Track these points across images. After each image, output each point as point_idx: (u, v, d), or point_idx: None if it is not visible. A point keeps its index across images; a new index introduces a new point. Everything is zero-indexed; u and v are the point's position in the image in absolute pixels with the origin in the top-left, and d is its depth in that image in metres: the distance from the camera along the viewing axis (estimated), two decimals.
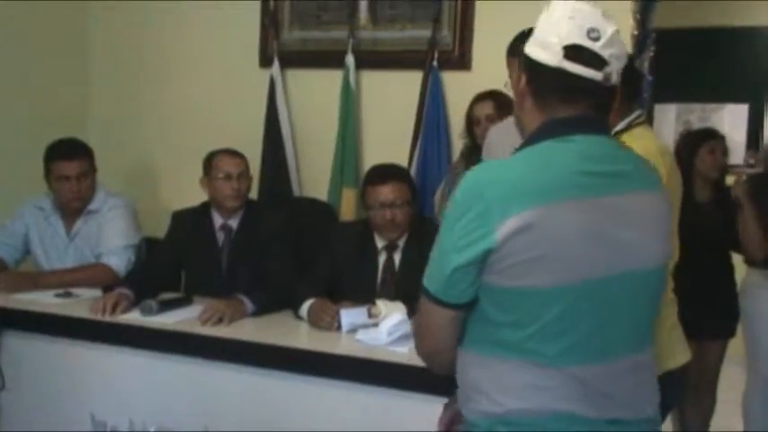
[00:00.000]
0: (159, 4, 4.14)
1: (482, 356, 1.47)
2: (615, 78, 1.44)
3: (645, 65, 3.27)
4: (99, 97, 4.34)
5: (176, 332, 2.55)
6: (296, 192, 3.90)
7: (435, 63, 3.59)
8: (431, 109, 3.58)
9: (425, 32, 3.62)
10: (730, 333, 3.55)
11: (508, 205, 1.36)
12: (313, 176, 3.89)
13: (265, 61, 3.95)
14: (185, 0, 4.08)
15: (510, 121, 2.84)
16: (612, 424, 1.44)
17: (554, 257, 1.37)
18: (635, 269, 1.45)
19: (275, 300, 2.82)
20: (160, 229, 3.31)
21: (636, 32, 3.26)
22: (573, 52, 1.41)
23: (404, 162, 3.57)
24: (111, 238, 3.23)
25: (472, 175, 1.44)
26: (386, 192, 2.85)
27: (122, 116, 4.29)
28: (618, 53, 1.44)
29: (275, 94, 3.88)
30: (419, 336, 1.59)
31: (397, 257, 2.90)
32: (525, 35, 1.66)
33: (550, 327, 1.39)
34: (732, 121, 5.84)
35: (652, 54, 3.29)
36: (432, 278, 1.47)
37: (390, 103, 3.75)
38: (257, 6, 3.95)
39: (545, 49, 1.43)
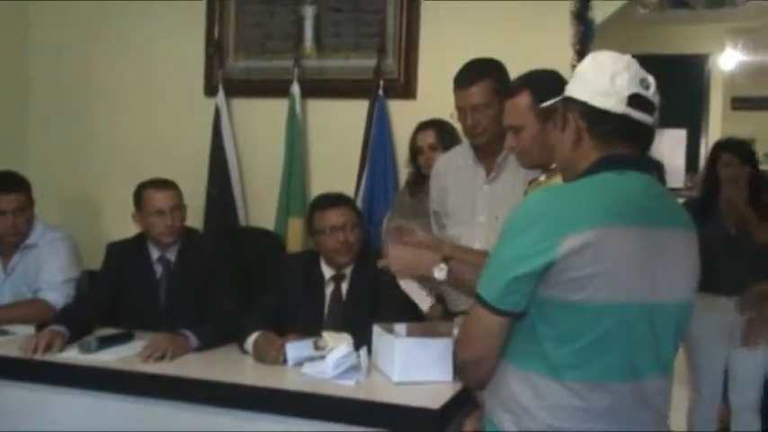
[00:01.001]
0: (102, 33, 4.09)
1: (524, 372, 1.58)
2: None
3: None
4: (39, 128, 4.26)
5: (117, 370, 2.47)
6: (242, 222, 3.87)
7: (381, 92, 3.61)
8: (377, 137, 3.59)
9: (370, 61, 3.64)
10: None
11: (572, 223, 1.50)
12: (259, 206, 3.86)
13: (210, 90, 3.92)
14: (128, 28, 4.04)
15: (457, 149, 2.88)
16: None
17: (607, 277, 1.50)
18: (671, 300, 1.60)
19: (219, 333, 2.76)
20: (98, 261, 3.25)
21: (575, 63, 3.32)
22: (635, 100, 1.58)
23: (351, 190, 3.57)
24: (49, 272, 3.15)
25: (542, 193, 1.62)
26: (336, 215, 2.84)
27: (64, 147, 4.21)
28: (659, 101, 1.62)
29: (220, 123, 3.85)
30: (467, 342, 1.68)
31: (344, 287, 2.88)
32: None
33: (595, 344, 1.52)
34: (671, 145, 5.99)
35: None
36: (488, 286, 1.58)
37: (336, 131, 3.75)
38: (202, 35, 3.93)
39: (608, 97, 1.58)
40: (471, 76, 2.62)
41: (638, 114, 1.58)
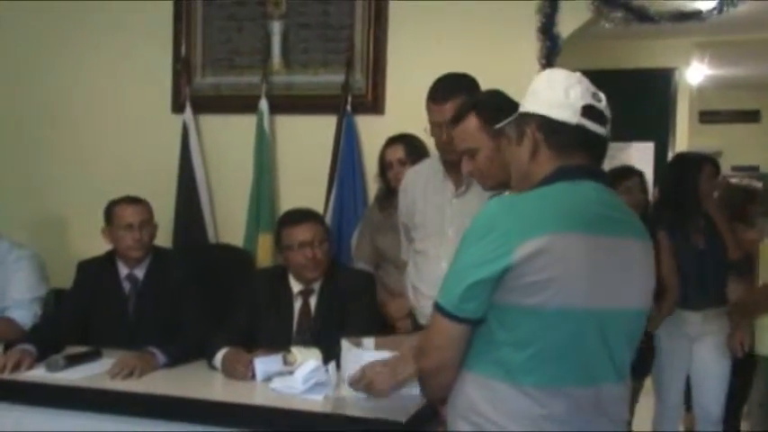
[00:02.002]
0: (67, 48, 4.07)
1: (483, 377, 1.60)
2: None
3: None
4: (3, 144, 4.21)
5: (85, 388, 2.45)
6: (211, 238, 3.85)
7: (349, 107, 3.62)
8: (345, 153, 3.60)
9: (339, 77, 3.65)
10: (646, 372, 3.65)
11: (527, 230, 1.54)
12: (228, 222, 3.85)
13: (178, 107, 3.91)
14: (94, 44, 4.02)
15: (426, 163, 2.89)
16: None
17: (561, 282, 1.53)
18: (626, 307, 1.64)
19: (188, 350, 2.75)
20: (69, 280, 3.22)
21: None
22: (588, 111, 1.65)
23: (320, 206, 3.57)
24: (16, 290, 3.12)
25: (496, 203, 1.64)
26: (303, 231, 2.84)
27: (27, 164, 4.16)
28: (610, 114, 1.69)
29: (188, 139, 3.84)
30: (427, 351, 1.69)
31: (312, 302, 2.88)
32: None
33: (550, 348, 1.55)
34: (639, 158, 6.06)
35: None
36: (447, 295, 1.61)
37: (305, 147, 3.76)
38: (169, 51, 3.92)
39: (564, 109, 1.64)
40: (447, 91, 2.63)
41: (591, 125, 1.64)
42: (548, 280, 1.52)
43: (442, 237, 2.70)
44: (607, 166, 1.89)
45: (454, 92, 2.61)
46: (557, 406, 1.56)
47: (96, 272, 3.03)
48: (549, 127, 1.66)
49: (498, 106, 2.25)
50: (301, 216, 2.91)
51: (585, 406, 1.58)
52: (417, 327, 2.79)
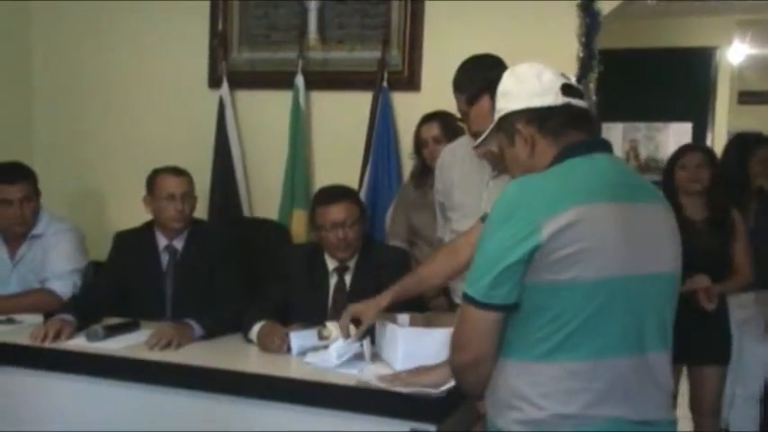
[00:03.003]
0: (106, 26, 4.10)
1: (523, 363, 1.57)
2: None
3: (591, 86, 3.32)
4: (44, 119, 4.28)
5: (123, 358, 2.49)
6: (246, 213, 3.88)
7: (385, 84, 3.61)
8: (381, 129, 3.59)
9: (375, 53, 3.64)
10: (727, 358, 3.45)
11: (553, 204, 1.52)
12: (263, 197, 3.87)
13: (214, 82, 3.93)
14: (132, 22, 4.05)
15: (462, 141, 2.87)
16: (644, 425, 1.57)
17: (595, 252, 1.52)
18: (659, 271, 1.62)
19: (224, 323, 2.78)
20: (105, 252, 3.27)
21: (581, 54, 3.32)
22: (567, 90, 1.67)
23: (354, 182, 3.57)
24: (56, 262, 3.17)
25: (515, 185, 1.62)
26: (336, 212, 2.83)
27: (69, 139, 4.23)
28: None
29: (225, 114, 3.86)
30: (461, 345, 1.65)
31: (347, 279, 2.89)
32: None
33: (591, 320, 1.52)
34: (677, 139, 5.98)
35: (597, 75, 3.34)
36: (475, 284, 1.57)
37: (340, 123, 3.76)
38: (206, 27, 3.94)
39: (545, 95, 1.66)
40: (467, 81, 2.61)
41: (575, 101, 1.66)
42: (580, 251, 1.51)
43: (477, 217, 2.68)
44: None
45: (474, 81, 2.57)
46: (601, 380, 1.53)
47: (134, 243, 3.06)
48: (538, 117, 1.66)
49: None
50: (336, 195, 2.89)
51: (632, 376, 1.56)
52: (452, 304, 2.79)
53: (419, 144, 3.30)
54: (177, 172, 3.05)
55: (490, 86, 2.27)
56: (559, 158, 1.63)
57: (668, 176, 3.43)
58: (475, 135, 2.31)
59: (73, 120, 4.22)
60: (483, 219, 2.26)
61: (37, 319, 2.87)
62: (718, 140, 6.81)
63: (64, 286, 3.14)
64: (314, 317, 2.73)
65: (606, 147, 1.69)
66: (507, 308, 1.56)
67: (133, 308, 2.97)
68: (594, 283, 1.52)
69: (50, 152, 4.20)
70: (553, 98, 1.65)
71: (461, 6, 3.55)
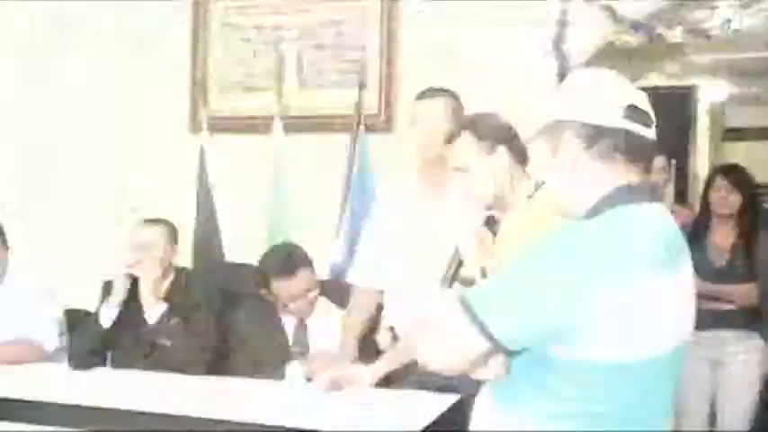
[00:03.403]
0: (86, 70, 4.13)
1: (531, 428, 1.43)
2: None
3: None
4: (18, 164, 4.27)
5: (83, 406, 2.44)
6: (227, 258, 3.87)
7: (362, 127, 3.63)
8: (358, 172, 3.61)
9: (352, 97, 3.67)
10: None
11: (606, 277, 1.35)
12: (243, 242, 3.87)
13: (194, 128, 3.95)
14: (114, 66, 4.09)
15: (406, 180, 2.92)
16: None
17: (643, 330, 1.37)
18: (679, 345, 1.46)
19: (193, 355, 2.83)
20: (85, 301, 3.27)
21: None
22: (631, 112, 1.45)
23: (333, 224, 3.58)
24: (32, 313, 3.14)
25: (575, 236, 1.42)
26: (298, 283, 2.88)
27: (45, 186, 4.22)
28: (653, 114, 1.49)
29: (205, 160, 3.87)
30: (434, 352, 1.48)
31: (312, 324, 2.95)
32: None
33: (624, 403, 1.40)
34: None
35: None
36: (489, 304, 1.39)
37: (318, 166, 3.77)
38: (186, 74, 3.97)
39: (602, 112, 1.45)
40: (430, 92, 2.75)
41: (636, 127, 1.45)
42: (627, 332, 1.36)
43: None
44: None
45: (436, 91, 2.72)
46: None
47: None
48: (589, 134, 1.46)
49: (490, 124, 2.32)
50: (293, 267, 2.88)
51: None
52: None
53: None
54: (149, 222, 3.11)
55: (470, 124, 2.35)
56: (613, 202, 1.44)
57: (704, 197, 3.52)
58: (455, 170, 2.36)
59: (48, 165, 4.22)
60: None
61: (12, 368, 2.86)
62: (701, 178, 6.86)
63: (43, 335, 3.10)
64: (276, 362, 2.75)
65: (657, 194, 1.54)
66: (503, 348, 1.40)
67: (116, 351, 3.00)
68: (636, 364, 1.38)
69: (24, 198, 4.20)
70: (612, 118, 1.45)
71: (437, 49, 3.59)
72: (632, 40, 3.38)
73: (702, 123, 7.07)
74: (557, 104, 1.53)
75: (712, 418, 3.62)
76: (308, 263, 2.95)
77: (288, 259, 2.94)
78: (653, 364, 1.41)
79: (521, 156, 2.36)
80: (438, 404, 2.35)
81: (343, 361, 2.67)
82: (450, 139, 2.37)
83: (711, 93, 7.39)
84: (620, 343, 1.36)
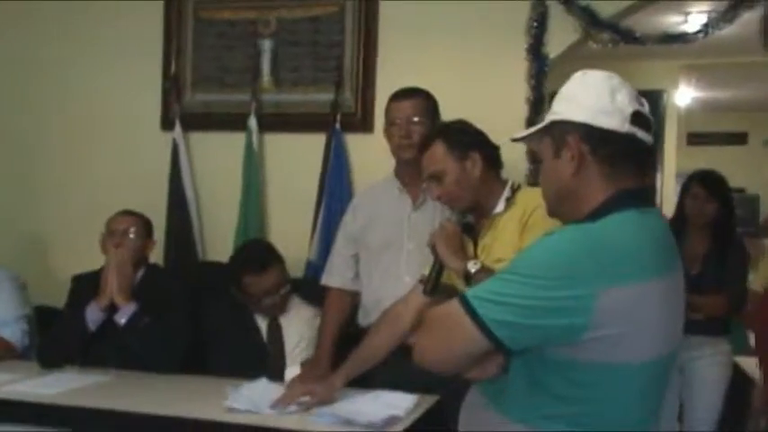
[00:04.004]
0: (57, 65, 4.06)
1: (533, 431, 1.44)
2: None
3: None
4: None
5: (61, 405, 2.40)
6: (200, 256, 3.83)
7: (338, 126, 3.62)
8: (334, 171, 3.59)
9: (328, 95, 3.65)
10: None
11: (610, 278, 1.35)
12: (217, 240, 3.83)
13: (167, 124, 3.90)
14: (85, 61, 4.01)
15: (379, 184, 2.94)
16: None
17: (642, 335, 1.38)
18: (673, 349, 1.48)
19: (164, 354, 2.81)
20: (51, 297, 3.21)
21: (530, 97, 3.38)
22: (636, 118, 1.47)
23: (308, 224, 3.57)
24: (0, 310, 3.10)
25: (571, 241, 1.40)
26: (268, 279, 2.89)
27: (15, 182, 4.13)
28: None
29: (178, 157, 3.82)
30: (433, 345, 1.47)
31: (283, 319, 2.96)
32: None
33: (628, 403, 1.42)
34: None
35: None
36: (491, 305, 1.39)
37: (294, 165, 3.75)
38: (159, 68, 3.91)
39: (611, 116, 1.46)
40: (409, 91, 2.83)
41: (641, 133, 1.48)
42: (629, 334, 1.37)
43: (401, 252, 2.74)
44: None
45: (416, 93, 2.81)
46: None
47: (89, 286, 3.01)
48: (596, 137, 1.46)
49: (462, 131, 2.38)
50: (263, 263, 2.90)
51: None
52: None
53: None
54: (126, 213, 3.10)
55: (442, 131, 2.42)
56: (613, 207, 1.45)
57: (679, 204, 3.51)
58: (430, 178, 2.39)
59: (17, 161, 4.13)
60: (421, 280, 2.32)
61: None
62: (667, 181, 6.96)
63: (12, 333, 3.09)
64: (253, 360, 2.82)
65: (653, 197, 1.56)
66: (505, 348, 1.41)
67: (88, 351, 2.92)
68: (637, 365, 1.40)
69: None
70: (619, 123, 1.46)
71: (414, 49, 3.59)
72: (607, 41, 3.37)
73: (669, 128, 7.18)
74: (563, 105, 1.53)
75: (680, 420, 3.68)
76: (279, 259, 2.98)
77: (258, 255, 2.96)
78: (651, 365, 1.43)
79: (494, 161, 2.40)
80: (418, 404, 2.36)
81: (318, 368, 2.68)
82: (424, 147, 2.41)
83: (678, 97, 7.50)
84: (620, 344, 1.37)
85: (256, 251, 3.01)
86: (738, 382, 3.61)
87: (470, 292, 1.44)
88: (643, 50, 3.91)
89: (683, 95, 7.61)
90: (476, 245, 2.35)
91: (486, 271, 2.05)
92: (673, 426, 1.54)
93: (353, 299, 2.92)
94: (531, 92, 3.39)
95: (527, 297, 1.37)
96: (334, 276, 2.93)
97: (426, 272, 2.33)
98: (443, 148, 2.36)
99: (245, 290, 2.91)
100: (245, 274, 2.89)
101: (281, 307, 2.94)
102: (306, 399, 2.32)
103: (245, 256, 3.01)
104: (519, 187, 2.42)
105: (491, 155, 2.42)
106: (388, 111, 2.87)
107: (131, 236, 3.02)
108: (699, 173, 3.64)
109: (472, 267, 2.11)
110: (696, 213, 3.50)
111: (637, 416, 1.46)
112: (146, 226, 3.11)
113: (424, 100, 2.81)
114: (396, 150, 2.84)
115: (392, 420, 2.19)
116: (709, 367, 3.52)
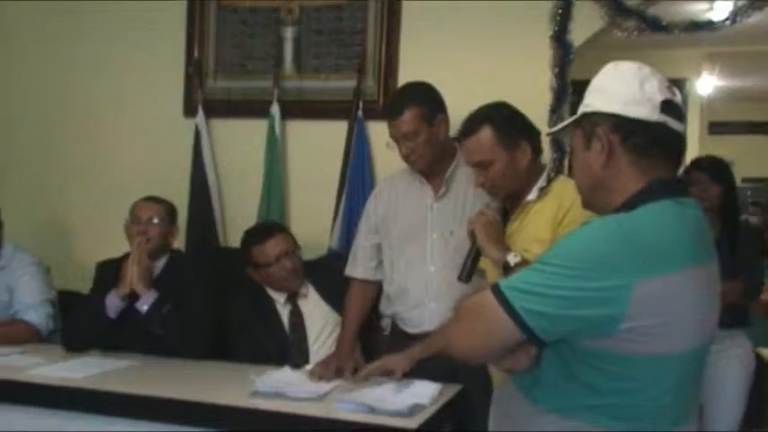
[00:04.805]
0: (81, 52, 4.08)
1: (568, 422, 1.44)
2: None
3: (565, 116, 3.35)
4: (12, 147, 4.22)
5: (82, 389, 2.43)
6: (222, 241, 3.85)
7: (360, 113, 3.61)
8: (355, 158, 3.58)
9: (350, 83, 3.64)
10: None
11: (645, 268, 1.34)
12: (238, 227, 3.82)
13: (190, 111, 3.91)
14: (109, 48, 4.03)
15: (399, 174, 2.91)
16: None
17: (679, 325, 1.38)
18: (707, 340, 1.48)
19: (188, 336, 2.83)
20: (75, 282, 3.23)
21: (554, 85, 3.35)
22: (667, 107, 1.47)
23: (329, 211, 3.57)
24: (25, 293, 3.14)
25: (605, 230, 1.39)
26: (276, 244, 2.93)
27: (40, 169, 4.16)
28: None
29: (200, 143, 3.83)
30: (466, 335, 1.47)
31: (303, 304, 2.98)
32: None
33: (664, 394, 1.41)
34: None
35: (570, 105, 3.38)
36: (524, 295, 1.38)
37: (315, 152, 3.75)
38: (182, 55, 3.92)
39: (641, 106, 1.46)
40: (397, 106, 2.72)
41: (672, 122, 1.47)
42: (664, 324, 1.36)
43: (426, 242, 2.73)
44: None
45: (404, 106, 2.70)
46: None
47: (112, 272, 3.03)
48: (626, 127, 1.46)
49: (512, 118, 2.30)
50: (269, 230, 3.00)
51: None
52: (398, 333, 2.80)
53: None
54: (151, 199, 3.10)
55: (490, 118, 2.31)
56: (648, 196, 1.44)
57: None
58: (475, 166, 2.33)
59: (41, 148, 4.16)
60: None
61: (6, 350, 2.83)
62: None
63: (38, 317, 3.11)
64: (275, 349, 2.84)
65: (687, 187, 1.55)
66: (537, 339, 1.40)
67: (113, 337, 2.94)
68: (672, 356, 1.40)
69: (23, 180, 4.15)
70: (648, 111, 1.45)
71: (436, 36, 3.57)
72: (633, 29, 3.33)
73: (690, 117, 7.12)
74: (593, 97, 1.53)
75: (701, 415, 3.63)
76: (282, 229, 3.06)
77: (262, 226, 3.11)
78: (686, 356, 1.42)
79: (538, 148, 2.35)
80: (442, 393, 2.36)
81: (341, 356, 2.68)
82: (469, 131, 2.32)
83: (700, 86, 7.44)
84: (655, 335, 1.36)
85: (260, 225, 3.17)
86: (762, 376, 3.55)
87: (503, 283, 1.43)
88: (666, 39, 3.87)
89: (706, 84, 7.54)
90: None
91: (526, 264, 2.01)
92: (693, 423, 1.53)
93: (376, 288, 2.91)
94: (555, 80, 3.36)
95: (561, 288, 1.36)
96: (358, 267, 2.90)
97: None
98: (492, 135, 2.27)
99: (256, 262, 2.93)
100: (252, 246, 2.97)
101: (296, 274, 2.94)
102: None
103: (250, 232, 3.11)
104: (556, 176, 2.36)
105: (535, 142, 2.35)
106: (388, 126, 2.80)
107: (155, 221, 3.02)
108: (697, 159, 3.61)
109: (512, 260, 2.09)
110: (699, 199, 3.43)
111: (672, 408, 1.45)
112: (170, 213, 3.12)
113: (413, 109, 2.68)
114: (405, 162, 2.81)
115: (416, 408, 2.20)
116: (727, 361, 3.42)
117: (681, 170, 1.63)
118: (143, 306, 2.85)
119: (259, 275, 2.97)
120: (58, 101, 4.14)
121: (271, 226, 3.05)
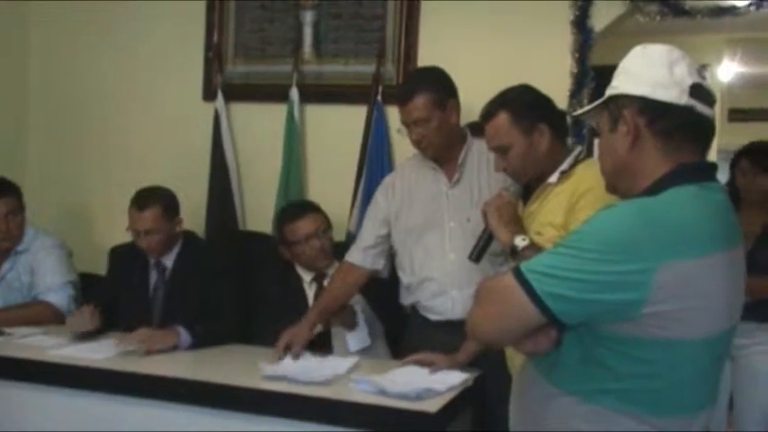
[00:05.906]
0: (101, 37, 4.09)
1: (590, 406, 1.43)
2: None
3: (585, 101, 3.33)
4: (39, 132, 4.25)
5: (103, 369, 2.47)
6: (241, 225, 3.86)
7: (379, 97, 3.60)
8: (375, 143, 3.58)
9: (370, 67, 3.64)
10: None
11: (670, 251, 1.33)
12: (258, 210, 3.86)
13: (209, 95, 3.91)
14: (127, 34, 4.04)
15: (410, 162, 2.88)
16: None
17: (704, 311, 1.37)
18: (732, 325, 1.47)
19: (216, 334, 2.79)
20: (95, 266, 3.26)
21: (575, 70, 3.33)
22: (696, 91, 1.45)
23: (348, 195, 3.57)
24: (48, 276, 3.17)
25: (629, 213, 1.38)
26: (307, 224, 2.97)
27: (62, 153, 4.19)
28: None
29: (220, 127, 3.84)
30: (487, 317, 1.47)
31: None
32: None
33: (687, 379, 1.41)
34: None
35: (591, 90, 3.35)
36: (545, 278, 1.38)
37: (335, 136, 3.75)
38: (201, 40, 3.93)
39: (669, 89, 1.44)
40: (408, 91, 2.68)
41: (701, 106, 1.45)
42: (689, 309, 1.36)
43: (444, 230, 2.70)
44: None
45: (415, 91, 2.65)
46: None
47: (127, 258, 3.06)
48: (653, 110, 1.44)
49: (529, 101, 2.28)
50: (302, 209, 3.04)
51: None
52: (419, 319, 2.78)
53: None
54: (143, 199, 2.98)
55: (507, 101, 2.29)
56: (672, 181, 1.43)
57: (730, 180, 3.36)
58: (495, 150, 2.32)
59: (65, 134, 4.19)
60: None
61: (29, 330, 2.86)
62: (708, 157, 6.84)
63: (60, 299, 3.14)
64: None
65: (715, 172, 1.52)
66: (559, 322, 1.40)
67: (121, 323, 2.94)
68: (694, 342, 1.39)
69: (45, 165, 4.19)
70: (677, 95, 1.44)
71: (456, 21, 3.56)
72: (655, 14, 3.30)
73: None
74: (621, 79, 1.52)
75: (731, 412, 3.54)
76: (316, 208, 3.08)
77: (296, 204, 3.16)
78: (710, 342, 1.41)
79: (561, 129, 2.33)
80: (460, 379, 2.37)
81: (295, 330, 2.66)
82: (487, 116, 2.31)
83: (721, 72, 7.35)
84: (679, 320, 1.36)
85: (295, 203, 3.22)
86: None
87: (525, 265, 1.43)
88: (687, 24, 3.82)
89: (727, 70, 7.45)
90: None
91: (534, 248, 2.00)
92: (722, 416, 1.52)
93: (365, 277, 2.82)
94: (576, 65, 3.34)
95: (583, 271, 1.36)
96: (358, 254, 2.80)
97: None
98: (509, 119, 2.25)
99: (289, 239, 2.96)
100: (284, 224, 3.01)
101: (324, 254, 2.97)
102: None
103: (284, 210, 3.17)
104: (583, 159, 2.31)
105: (558, 124, 2.32)
106: (399, 112, 2.75)
107: (153, 230, 2.95)
108: (747, 146, 3.51)
109: (520, 243, 2.08)
110: (747, 189, 3.38)
111: (693, 395, 1.45)
112: (167, 209, 2.99)
113: (424, 95, 2.63)
114: (420, 150, 2.77)
115: (427, 393, 2.20)
116: (761, 356, 3.32)
117: (714, 155, 1.61)
118: (184, 346, 2.73)
119: (291, 253, 3.01)
120: (78, 86, 4.16)
121: (305, 205, 3.09)
